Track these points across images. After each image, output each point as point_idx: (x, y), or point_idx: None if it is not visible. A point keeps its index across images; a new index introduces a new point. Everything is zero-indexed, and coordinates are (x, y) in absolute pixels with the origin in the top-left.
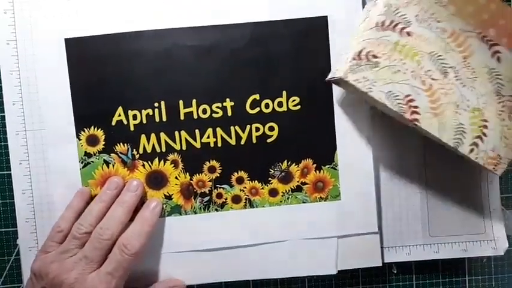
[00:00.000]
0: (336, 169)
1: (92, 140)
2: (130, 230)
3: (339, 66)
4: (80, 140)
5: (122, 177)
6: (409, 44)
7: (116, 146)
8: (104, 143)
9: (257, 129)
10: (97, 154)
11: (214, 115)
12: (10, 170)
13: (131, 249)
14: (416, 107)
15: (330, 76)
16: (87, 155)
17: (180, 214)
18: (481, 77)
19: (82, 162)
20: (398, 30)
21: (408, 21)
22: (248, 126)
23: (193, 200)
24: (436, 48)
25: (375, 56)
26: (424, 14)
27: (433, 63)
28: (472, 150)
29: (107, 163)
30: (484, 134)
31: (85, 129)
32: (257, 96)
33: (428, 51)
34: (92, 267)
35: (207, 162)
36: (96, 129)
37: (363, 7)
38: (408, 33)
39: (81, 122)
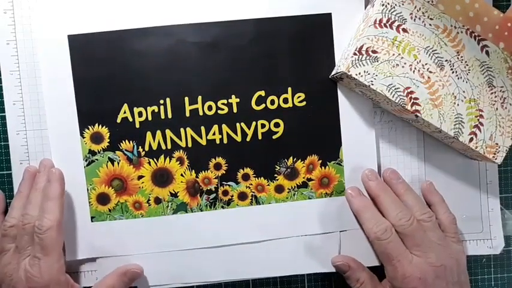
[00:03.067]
0: (341, 165)
1: (97, 138)
2: (40, 209)
3: (342, 62)
4: (84, 137)
5: (128, 174)
6: (406, 39)
7: (121, 144)
8: (108, 140)
9: (263, 126)
10: (101, 152)
11: (219, 112)
12: (10, 170)
13: (42, 227)
14: (416, 98)
15: (333, 72)
16: (92, 152)
17: (186, 212)
18: (474, 70)
19: (86, 160)
20: (395, 27)
21: (404, 18)
22: (254, 123)
23: (199, 197)
24: (431, 43)
25: (374, 51)
26: (417, 12)
27: (429, 57)
28: (471, 140)
29: (112, 161)
30: (481, 124)
31: (89, 126)
32: (262, 93)
33: (424, 46)
34: (24, 254)
35: (213, 159)
36: (100, 126)
37: (366, 5)
38: (404, 30)
39: (85, 119)
